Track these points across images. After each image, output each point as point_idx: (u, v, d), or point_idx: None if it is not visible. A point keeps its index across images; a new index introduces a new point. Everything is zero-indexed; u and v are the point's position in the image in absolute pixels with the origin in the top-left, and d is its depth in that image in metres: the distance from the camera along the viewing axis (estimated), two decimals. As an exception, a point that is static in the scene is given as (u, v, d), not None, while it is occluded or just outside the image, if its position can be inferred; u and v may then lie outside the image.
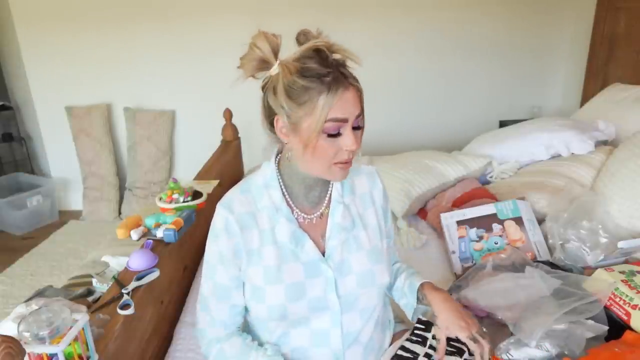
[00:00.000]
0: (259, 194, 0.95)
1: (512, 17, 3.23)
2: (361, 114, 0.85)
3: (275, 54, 0.83)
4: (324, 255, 0.95)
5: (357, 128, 0.86)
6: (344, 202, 0.98)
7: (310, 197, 0.96)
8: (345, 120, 0.82)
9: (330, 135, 0.83)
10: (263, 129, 0.93)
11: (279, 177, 0.95)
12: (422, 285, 1.05)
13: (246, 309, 1.00)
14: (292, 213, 0.95)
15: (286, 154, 0.92)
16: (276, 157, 0.96)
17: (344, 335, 0.95)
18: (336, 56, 0.83)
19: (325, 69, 0.80)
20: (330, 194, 0.98)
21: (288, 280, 0.91)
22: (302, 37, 0.84)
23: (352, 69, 0.86)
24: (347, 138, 0.83)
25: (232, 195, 0.96)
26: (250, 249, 0.93)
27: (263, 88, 0.89)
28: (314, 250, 0.94)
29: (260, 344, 0.99)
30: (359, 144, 0.85)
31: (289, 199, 0.95)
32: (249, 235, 0.92)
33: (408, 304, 1.07)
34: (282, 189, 0.95)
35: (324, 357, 0.95)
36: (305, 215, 0.96)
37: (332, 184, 0.98)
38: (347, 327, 0.95)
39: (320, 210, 0.97)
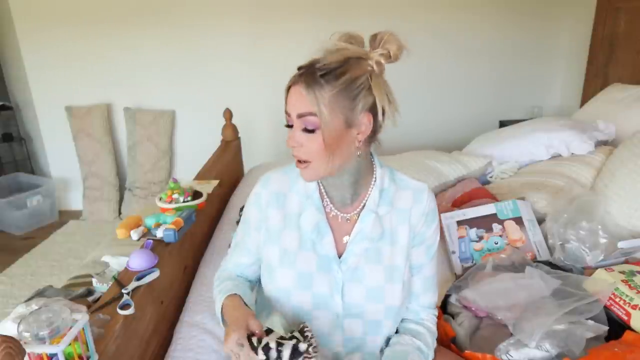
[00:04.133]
0: (297, 177, 0.97)
1: (512, 17, 3.23)
2: (305, 115, 0.83)
3: None
4: (339, 257, 0.94)
5: (307, 130, 0.84)
6: (377, 211, 0.94)
7: (340, 197, 0.95)
8: (289, 115, 0.86)
9: (287, 126, 0.88)
10: None
11: None
12: None
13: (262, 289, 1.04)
14: (323, 202, 0.96)
15: None
16: None
17: (346, 340, 0.94)
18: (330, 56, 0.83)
19: (302, 65, 0.85)
20: (366, 201, 0.95)
21: (300, 267, 0.93)
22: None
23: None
24: (289, 132, 0.87)
25: (274, 172, 1.00)
26: (270, 227, 0.97)
27: None
28: (331, 248, 0.94)
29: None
30: (295, 143, 0.86)
31: (322, 190, 0.96)
32: (272, 213, 0.97)
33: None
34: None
35: (326, 357, 0.95)
36: (333, 208, 0.96)
37: (370, 191, 0.95)
38: (349, 332, 0.94)
39: (350, 214, 0.96)
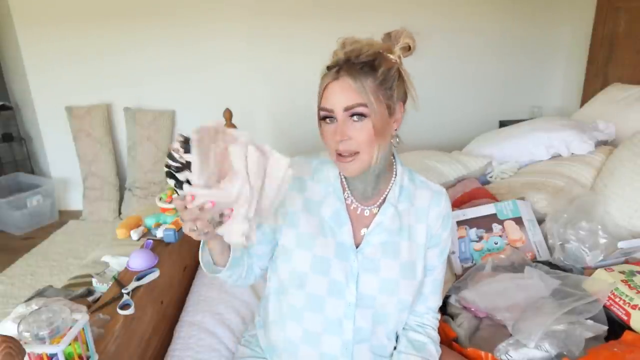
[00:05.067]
0: (322, 165, 1.01)
1: (512, 17, 3.23)
2: (354, 106, 0.85)
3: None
4: (357, 247, 0.96)
5: (356, 118, 0.86)
6: (397, 206, 0.98)
7: (362, 189, 0.97)
8: (331, 111, 0.87)
9: (324, 122, 0.89)
10: None
11: None
12: None
13: (269, 278, 1.05)
14: (344, 193, 0.98)
15: None
16: None
17: (355, 329, 0.95)
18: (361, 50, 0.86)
19: (333, 63, 0.87)
20: (386, 196, 0.98)
21: (318, 251, 0.95)
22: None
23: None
24: (332, 127, 0.88)
25: (299, 157, 1.03)
26: (288, 210, 0.98)
27: None
28: (349, 237, 0.96)
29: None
30: (344, 136, 0.86)
31: (344, 182, 0.99)
32: (292, 196, 0.98)
33: None
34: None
35: (335, 345, 0.96)
36: (354, 200, 0.98)
37: (391, 186, 0.99)
38: (359, 322, 0.95)
39: (371, 207, 0.98)
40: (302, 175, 1.01)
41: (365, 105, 0.85)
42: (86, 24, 3.22)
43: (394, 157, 1.01)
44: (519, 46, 3.30)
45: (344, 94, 0.85)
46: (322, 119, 0.89)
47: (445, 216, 1.01)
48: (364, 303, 0.95)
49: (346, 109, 0.85)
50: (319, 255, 0.95)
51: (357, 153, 0.88)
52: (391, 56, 0.88)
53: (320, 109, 0.89)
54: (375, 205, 0.98)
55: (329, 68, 0.88)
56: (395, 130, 0.93)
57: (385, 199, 0.98)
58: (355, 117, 0.86)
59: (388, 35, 0.90)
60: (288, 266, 0.97)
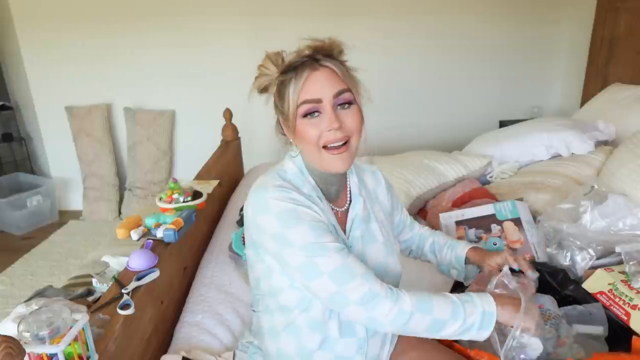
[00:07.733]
0: (299, 180, 0.94)
1: (512, 17, 3.23)
2: (342, 92, 0.86)
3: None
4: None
5: (345, 106, 0.87)
6: (362, 194, 1.01)
7: (332, 192, 0.98)
8: (319, 101, 0.86)
9: (307, 117, 0.87)
10: (276, 135, 1.03)
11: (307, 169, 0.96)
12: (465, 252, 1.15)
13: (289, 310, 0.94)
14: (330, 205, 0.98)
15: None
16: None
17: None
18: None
19: (298, 60, 0.86)
20: (350, 189, 1.01)
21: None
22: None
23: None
24: (325, 117, 0.86)
25: (275, 181, 0.90)
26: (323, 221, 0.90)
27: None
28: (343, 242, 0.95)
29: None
30: (339, 123, 0.85)
31: (322, 192, 0.97)
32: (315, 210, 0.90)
33: (459, 275, 1.17)
34: (313, 180, 0.96)
35: (350, 346, 0.96)
36: (333, 206, 0.98)
37: (349, 179, 1.01)
38: None
39: (345, 206, 1.00)
40: (296, 195, 0.89)
41: (350, 90, 0.87)
42: (86, 24, 3.21)
43: None
44: (519, 46, 3.30)
45: (330, 81, 0.85)
46: (305, 115, 0.86)
47: (388, 186, 1.11)
48: None
49: (335, 96, 0.85)
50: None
51: (347, 141, 0.88)
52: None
53: (304, 102, 0.85)
54: (347, 203, 1.00)
55: (296, 66, 0.86)
56: None
57: (350, 193, 1.00)
58: (342, 105, 0.87)
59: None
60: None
